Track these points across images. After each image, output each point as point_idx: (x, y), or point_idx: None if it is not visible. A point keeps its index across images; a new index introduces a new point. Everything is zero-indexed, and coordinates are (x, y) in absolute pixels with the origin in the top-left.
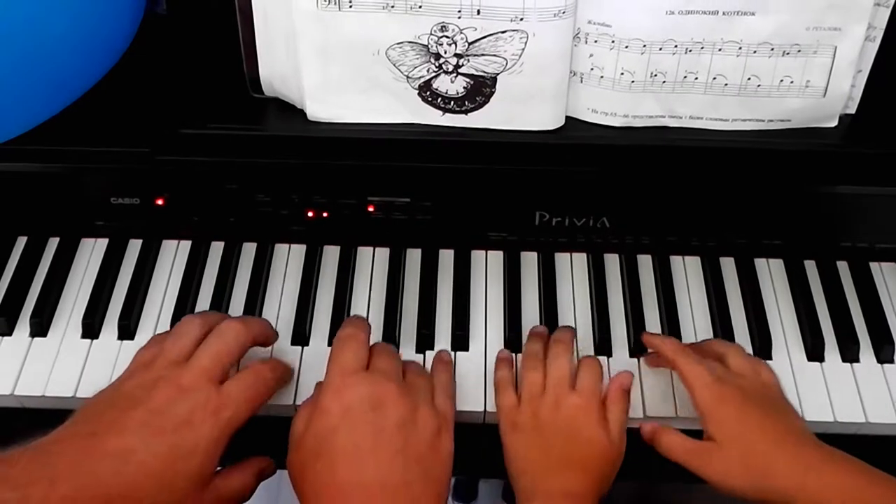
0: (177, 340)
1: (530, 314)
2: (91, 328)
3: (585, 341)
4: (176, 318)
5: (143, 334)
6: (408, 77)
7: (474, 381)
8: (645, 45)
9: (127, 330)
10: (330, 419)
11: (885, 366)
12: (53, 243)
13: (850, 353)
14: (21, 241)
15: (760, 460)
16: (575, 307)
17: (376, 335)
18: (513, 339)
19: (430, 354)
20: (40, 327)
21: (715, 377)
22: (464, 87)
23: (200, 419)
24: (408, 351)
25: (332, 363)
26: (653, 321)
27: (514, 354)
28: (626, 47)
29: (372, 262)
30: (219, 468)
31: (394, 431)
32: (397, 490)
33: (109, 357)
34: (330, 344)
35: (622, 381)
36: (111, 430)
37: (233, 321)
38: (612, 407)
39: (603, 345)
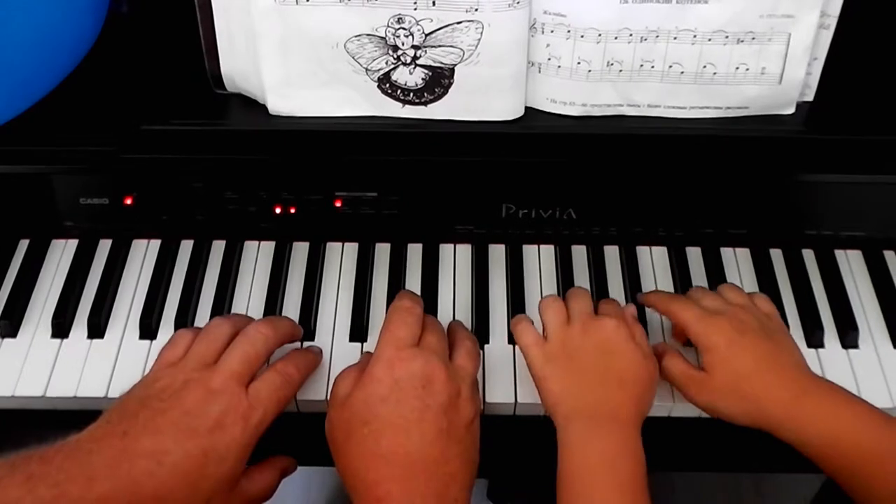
0: (205, 341)
1: (498, 306)
2: (61, 327)
3: None
4: (145, 316)
5: (113, 333)
6: (367, 69)
7: None
8: (600, 35)
9: (97, 328)
10: (380, 388)
11: (850, 351)
12: (24, 245)
13: (815, 339)
14: None
15: (750, 386)
16: None
17: (344, 330)
18: (481, 330)
19: None
20: (10, 328)
21: (706, 311)
22: (422, 79)
23: (232, 422)
24: None
25: (386, 333)
26: None
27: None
28: (582, 37)
29: (341, 258)
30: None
31: (439, 411)
32: (437, 465)
33: (79, 356)
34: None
35: (631, 310)
36: (145, 430)
37: (262, 325)
38: (635, 328)
39: None
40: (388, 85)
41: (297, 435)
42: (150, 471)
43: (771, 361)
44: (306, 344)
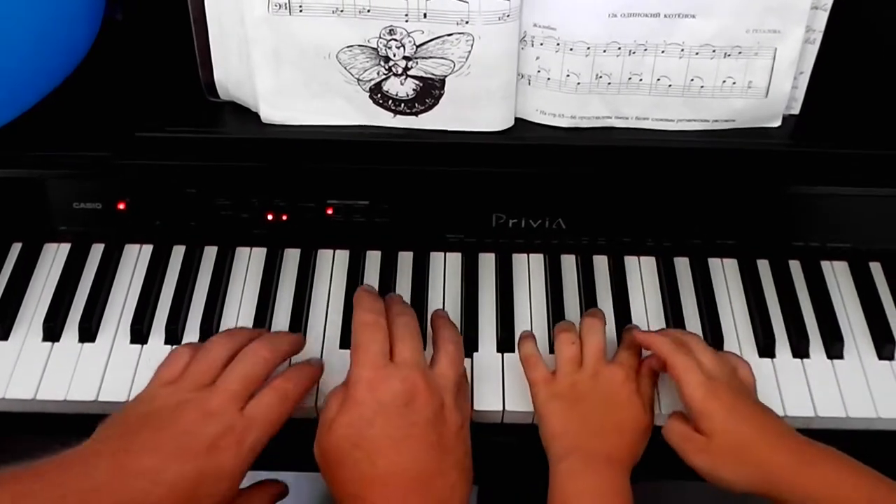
0: (204, 361)
1: (487, 314)
2: (52, 331)
3: (541, 342)
4: (137, 321)
5: (104, 337)
6: (358, 80)
7: None
8: (589, 48)
9: (88, 332)
10: (364, 410)
11: (835, 361)
12: (16, 248)
13: (800, 350)
14: None
15: (754, 453)
16: (531, 308)
17: (335, 337)
18: (470, 338)
19: None
20: (1, 331)
21: (706, 375)
22: (413, 90)
23: (227, 444)
24: None
25: (358, 353)
26: (607, 321)
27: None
28: (571, 50)
29: (332, 265)
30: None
31: (426, 425)
32: (434, 479)
33: (70, 359)
34: None
35: (651, 363)
36: (144, 449)
37: (261, 347)
38: (641, 380)
39: None
40: (379, 95)
41: (288, 440)
42: (146, 490)
43: (770, 428)
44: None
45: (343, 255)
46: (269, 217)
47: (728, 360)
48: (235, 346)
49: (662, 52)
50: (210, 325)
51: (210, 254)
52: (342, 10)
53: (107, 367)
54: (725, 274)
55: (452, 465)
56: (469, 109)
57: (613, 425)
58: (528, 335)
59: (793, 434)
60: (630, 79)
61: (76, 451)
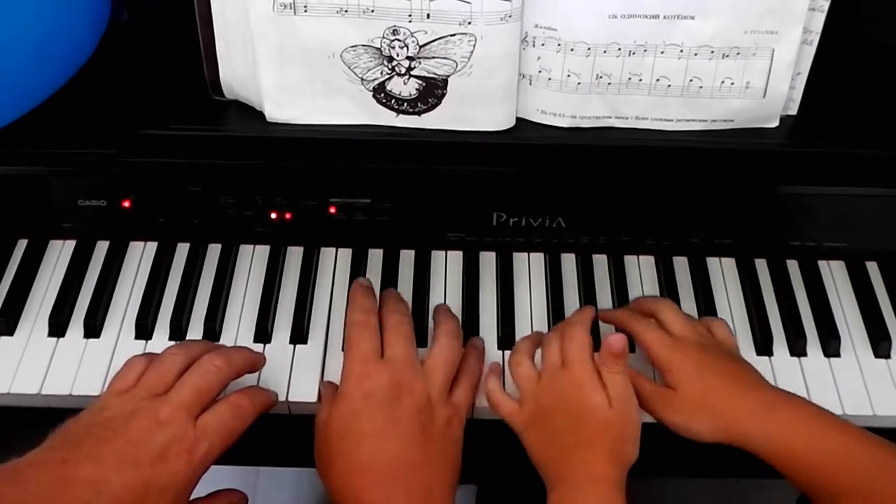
0: (158, 371)
1: (488, 313)
2: (58, 327)
3: None
4: (141, 317)
5: (109, 333)
6: (362, 79)
7: None
8: (590, 48)
9: (93, 328)
10: (353, 403)
11: (832, 359)
12: (22, 245)
13: (797, 348)
14: None
15: (718, 401)
16: (531, 306)
17: (337, 334)
18: (471, 336)
19: None
20: (7, 326)
21: (675, 336)
22: (416, 89)
23: (176, 454)
24: None
25: (349, 351)
26: None
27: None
28: (572, 50)
29: (334, 263)
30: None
31: (411, 417)
32: (418, 468)
33: (75, 355)
34: (291, 341)
35: (610, 345)
36: (87, 459)
37: (217, 357)
38: (603, 370)
39: None
40: (382, 94)
41: (288, 437)
42: (87, 501)
43: (736, 378)
44: (299, 347)
45: (345, 254)
46: (273, 215)
47: (703, 322)
48: (190, 357)
49: (662, 52)
50: (214, 321)
51: (214, 251)
52: (346, 11)
53: (111, 363)
54: (723, 273)
55: (436, 455)
56: (471, 109)
57: (586, 439)
58: (491, 371)
59: (764, 385)
60: (630, 79)
61: (19, 461)
